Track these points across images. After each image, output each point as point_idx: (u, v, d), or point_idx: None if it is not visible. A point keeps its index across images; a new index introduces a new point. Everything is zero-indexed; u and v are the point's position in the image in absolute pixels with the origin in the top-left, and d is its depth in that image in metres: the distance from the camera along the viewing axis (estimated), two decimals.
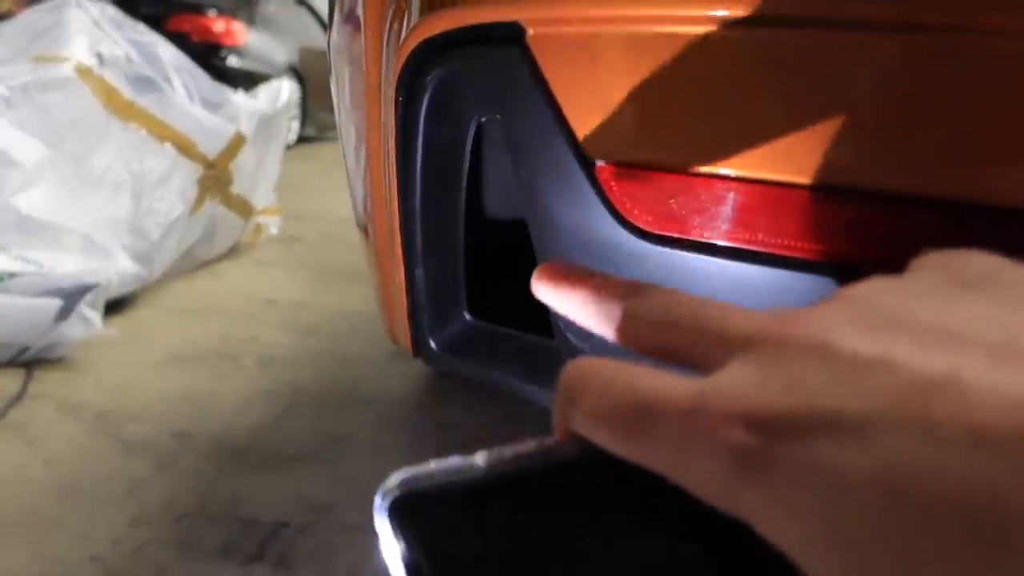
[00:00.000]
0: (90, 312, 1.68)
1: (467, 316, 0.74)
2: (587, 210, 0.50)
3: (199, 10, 5.90)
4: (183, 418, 1.48)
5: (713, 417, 0.19)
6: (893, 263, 0.45)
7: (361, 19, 0.70)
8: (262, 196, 2.71)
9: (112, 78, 2.11)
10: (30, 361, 1.66)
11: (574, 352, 0.62)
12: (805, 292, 0.44)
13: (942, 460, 0.16)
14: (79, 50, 2.08)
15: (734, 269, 0.45)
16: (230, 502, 1.21)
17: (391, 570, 0.21)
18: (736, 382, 0.20)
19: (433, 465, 0.22)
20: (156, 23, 5.63)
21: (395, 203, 0.70)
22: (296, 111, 6.19)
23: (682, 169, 0.46)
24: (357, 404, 1.58)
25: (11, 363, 1.65)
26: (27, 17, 2.24)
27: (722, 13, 0.41)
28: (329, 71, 1.07)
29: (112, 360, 1.73)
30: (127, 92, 2.12)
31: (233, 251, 2.68)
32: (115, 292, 1.94)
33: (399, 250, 0.73)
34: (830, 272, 0.43)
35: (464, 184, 0.63)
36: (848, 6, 0.39)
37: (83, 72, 2.05)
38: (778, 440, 0.18)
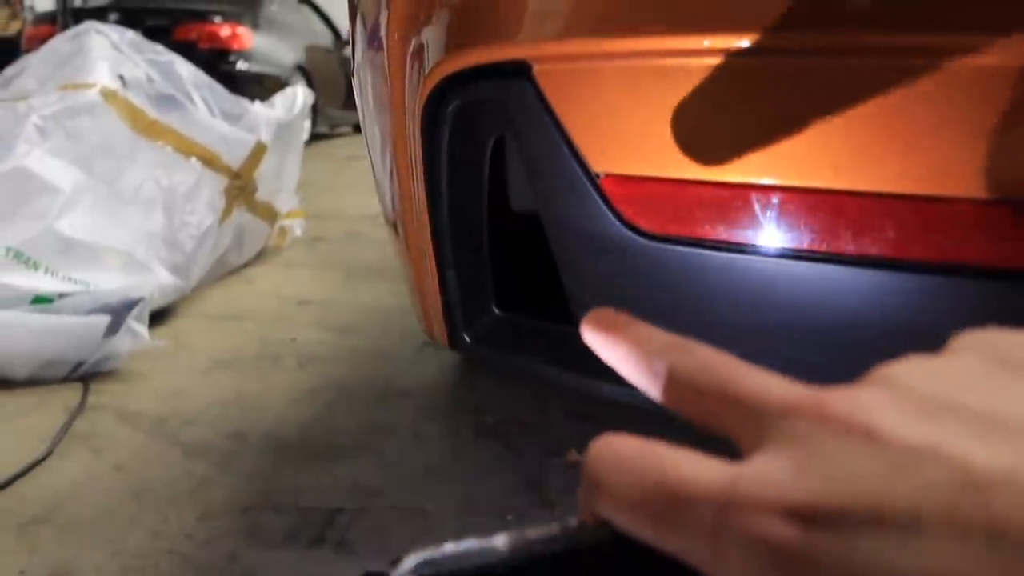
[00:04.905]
0: (137, 325, 1.78)
1: (496, 310, 0.82)
2: (593, 214, 0.58)
3: (204, 18, 6.00)
4: (235, 419, 1.58)
5: (748, 507, 0.18)
6: (866, 257, 0.53)
7: (384, 45, 0.78)
8: (285, 200, 2.81)
9: (136, 99, 2.21)
10: (86, 375, 1.77)
11: None
12: (778, 279, 0.52)
13: (1006, 568, 0.15)
14: (103, 75, 2.18)
15: (716, 259, 0.53)
16: (289, 493, 1.30)
17: None
18: (773, 467, 0.19)
19: (450, 546, 0.21)
20: (163, 33, 5.76)
21: (424, 208, 0.78)
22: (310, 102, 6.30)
23: (672, 178, 0.54)
24: (395, 395, 1.68)
25: (68, 378, 1.76)
26: (50, 47, 2.34)
27: (689, 46, 0.49)
28: (352, 73, 1.11)
29: (161, 369, 1.83)
30: (151, 111, 2.22)
31: (261, 255, 2.78)
32: (156, 304, 2.05)
33: (431, 252, 0.81)
34: (792, 258, 0.51)
35: (485, 194, 0.71)
36: (793, 38, 0.47)
37: (108, 96, 2.15)
38: (819, 534, 0.17)
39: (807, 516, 0.17)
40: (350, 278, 2.63)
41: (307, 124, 6.55)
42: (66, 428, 1.54)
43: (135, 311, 1.79)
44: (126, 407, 1.65)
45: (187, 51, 5.58)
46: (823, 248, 0.52)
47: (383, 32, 0.76)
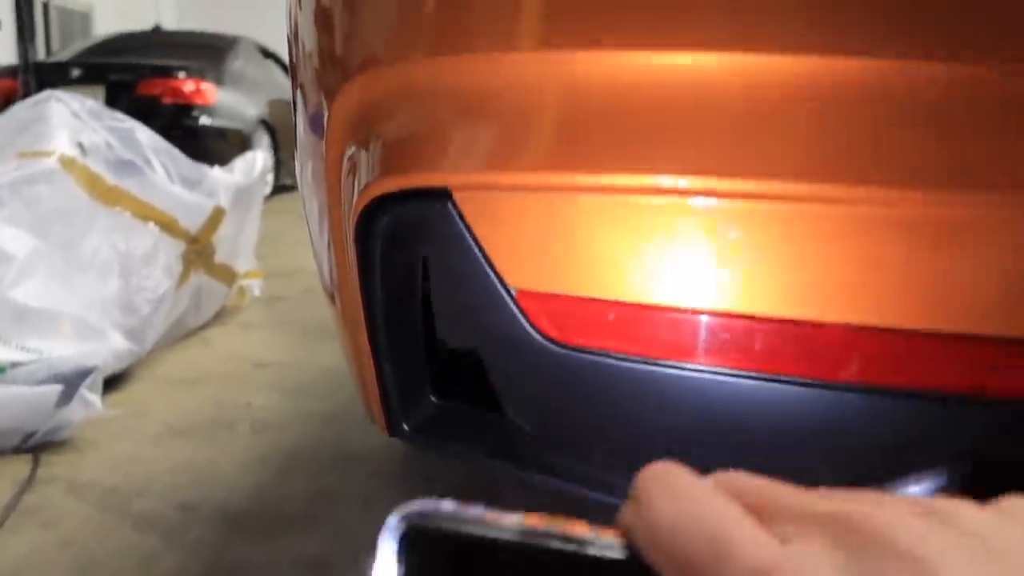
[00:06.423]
0: (90, 395, 1.79)
1: (433, 399, 0.86)
2: (511, 325, 0.63)
3: (168, 73, 6.03)
4: (186, 489, 1.59)
5: None
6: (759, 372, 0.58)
7: (324, 140, 0.83)
8: (244, 261, 2.83)
9: (94, 166, 2.23)
10: (36, 445, 1.76)
11: (520, 430, 0.75)
12: (683, 392, 0.58)
13: None
14: (62, 143, 2.20)
15: (622, 368, 0.60)
16: (236, 568, 1.32)
17: None
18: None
19: (450, 505, 0.20)
20: (126, 88, 5.79)
21: (360, 308, 0.82)
22: (269, 164, 6.34)
23: (580, 295, 0.59)
24: (347, 461, 1.70)
25: (19, 449, 1.75)
26: (9, 115, 2.36)
27: (589, 183, 0.55)
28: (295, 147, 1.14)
29: (114, 437, 1.83)
30: (109, 177, 2.25)
31: (219, 316, 2.80)
32: (111, 369, 2.05)
33: (367, 348, 0.85)
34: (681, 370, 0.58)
35: (419, 297, 0.76)
36: (706, 183, 0.53)
37: (67, 163, 2.17)
38: None
39: None
40: (306, 337, 2.65)
41: (269, 178, 6.59)
42: (15, 502, 1.54)
43: (88, 380, 1.80)
44: (76, 478, 1.65)
45: (151, 106, 5.66)
46: (725, 365, 0.58)
47: (325, 131, 0.81)
